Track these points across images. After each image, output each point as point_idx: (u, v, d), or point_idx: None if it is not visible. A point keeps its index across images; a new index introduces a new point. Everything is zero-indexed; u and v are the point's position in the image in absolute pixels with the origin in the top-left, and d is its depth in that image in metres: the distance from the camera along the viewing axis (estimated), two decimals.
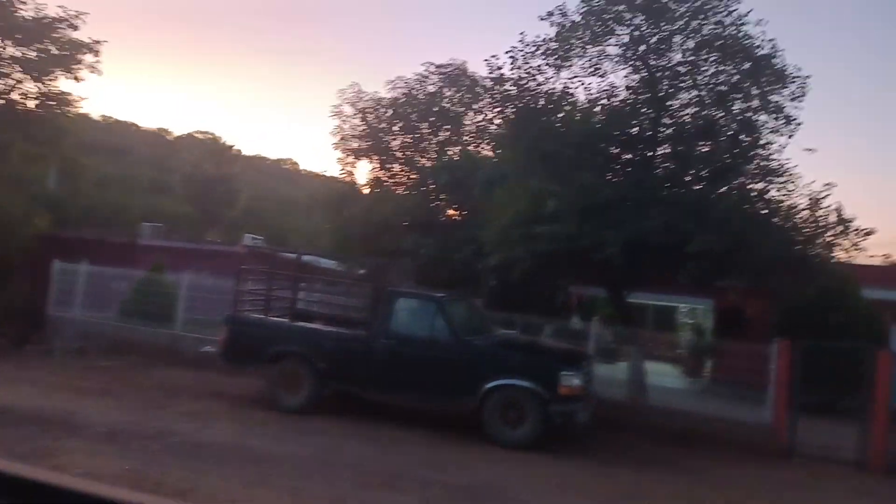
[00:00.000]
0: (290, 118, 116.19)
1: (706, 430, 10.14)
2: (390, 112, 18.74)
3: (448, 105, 18.81)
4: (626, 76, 11.22)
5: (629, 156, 11.38)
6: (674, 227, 9.48)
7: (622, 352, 13.05)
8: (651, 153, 11.05)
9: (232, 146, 52.93)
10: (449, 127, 18.95)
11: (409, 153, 18.85)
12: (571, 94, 11.34)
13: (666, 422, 10.39)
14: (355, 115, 19.31)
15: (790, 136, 10.54)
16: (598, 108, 11.34)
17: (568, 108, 11.40)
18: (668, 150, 11.06)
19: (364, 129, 19.11)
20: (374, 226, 15.99)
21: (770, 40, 10.36)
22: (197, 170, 43.05)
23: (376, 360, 9.04)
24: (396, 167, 19.09)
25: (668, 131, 11.00)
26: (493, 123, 12.88)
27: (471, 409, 8.54)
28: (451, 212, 17.55)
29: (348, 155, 19.43)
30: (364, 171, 19.62)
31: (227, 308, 10.29)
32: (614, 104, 11.21)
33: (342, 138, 19.34)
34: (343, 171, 19.52)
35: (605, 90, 11.44)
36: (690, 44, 10.70)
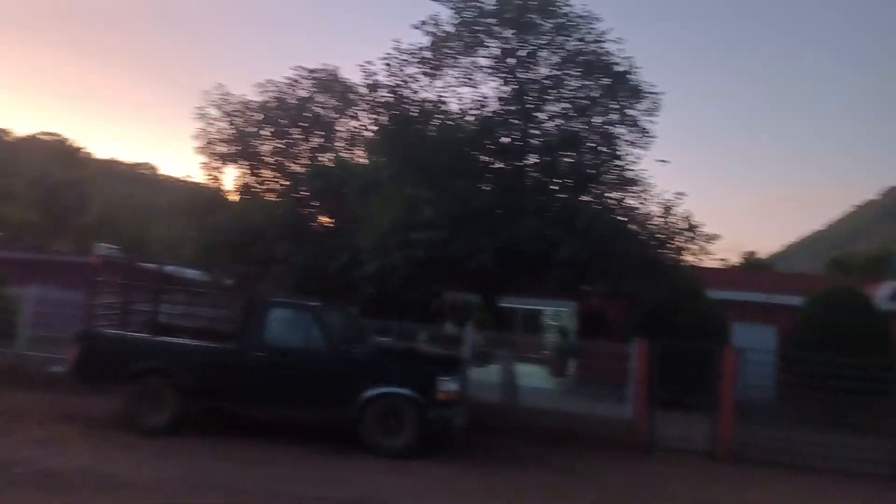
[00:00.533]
0: (147, 121, 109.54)
1: (574, 428, 10.65)
2: (260, 116, 18.10)
3: (320, 110, 18.48)
4: (496, 87, 11.59)
5: (500, 165, 11.74)
6: (542, 235, 9.87)
7: (495, 355, 13.40)
8: (521, 163, 11.47)
9: (81, 149, 48.92)
10: (322, 133, 18.60)
11: (279, 159, 18.29)
12: (445, 103, 11.55)
13: (536, 422, 10.80)
14: (222, 118, 18.47)
15: (645, 148, 11.36)
16: (470, 118, 11.62)
17: (441, 116, 11.59)
18: (537, 160, 11.53)
19: (232, 133, 18.31)
20: (243, 234, 15.34)
21: (627, 58, 11.14)
22: (43, 174, 39.32)
23: (248, 374, 8.68)
24: (266, 173, 18.45)
25: (535, 142, 11.47)
26: (367, 130, 12.80)
27: (349, 419, 8.40)
28: (324, 219, 17.21)
29: (214, 159, 18.52)
30: (231, 177, 18.74)
31: (80, 323, 9.47)
32: (486, 114, 11.53)
33: (208, 142, 18.42)
34: (209, 177, 18.58)
35: (477, 100, 11.75)
36: (555, 58, 11.24)
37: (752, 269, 44.46)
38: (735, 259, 57.09)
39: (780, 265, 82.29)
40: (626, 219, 11.08)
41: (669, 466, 9.41)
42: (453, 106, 11.76)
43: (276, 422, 9.64)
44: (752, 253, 60.29)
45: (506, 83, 11.45)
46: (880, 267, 44.66)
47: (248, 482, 6.76)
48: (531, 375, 16.43)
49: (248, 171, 18.35)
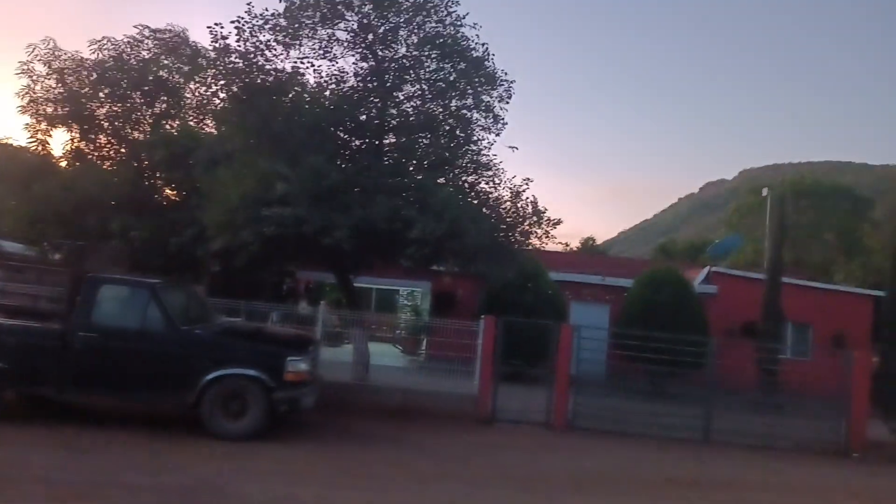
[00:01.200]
0: None
1: (423, 404, 10.95)
2: (95, 76, 16.45)
3: (166, 74, 17.16)
4: (355, 63, 11.44)
5: (358, 143, 11.64)
6: (398, 214, 9.96)
7: (348, 335, 13.38)
8: (378, 142, 11.45)
9: None
10: (167, 98, 17.28)
11: (118, 124, 16.75)
12: (302, 75, 11.20)
13: (387, 399, 10.98)
14: (50, 75, 16.56)
15: (498, 134, 11.78)
16: (328, 93, 11.38)
17: (298, 89, 11.25)
18: (395, 141, 11.56)
19: (62, 93, 16.48)
20: (73, 204, 13.98)
21: (483, 44, 11.42)
22: None
23: (75, 357, 7.98)
24: (102, 138, 16.83)
25: (393, 122, 11.49)
26: (217, 98, 12.08)
27: (189, 403, 8.00)
28: (168, 192, 16.13)
29: (41, 121, 16.60)
30: (61, 141, 16.89)
31: None
32: (344, 90, 11.35)
33: (32, 101, 16.46)
34: (33, 140, 16.63)
35: (335, 75, 11.53)
36: (414, 39, 11.29)
37: (590, 254, 47.81)
38: (575, 244, 61.00)
39: (614, 250, 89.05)
40: (478, 202, 11.46)
41: (508, 437, 9.96)
42: (310, 79, 11.47)
43: (113, 408, 8.99)
44: (590, 238, 64.74)
45: (364, 59, 11.33)
46: (697, 253, 49.80)
47: (73, 472, 6.26)
48: (385, 354, 16.58)
49: (80, 136, 16.66)
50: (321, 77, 11.51)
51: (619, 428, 10.80)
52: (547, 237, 11.75)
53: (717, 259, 34.91)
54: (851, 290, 22.26)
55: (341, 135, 11.41)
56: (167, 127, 16.65)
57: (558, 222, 11.68)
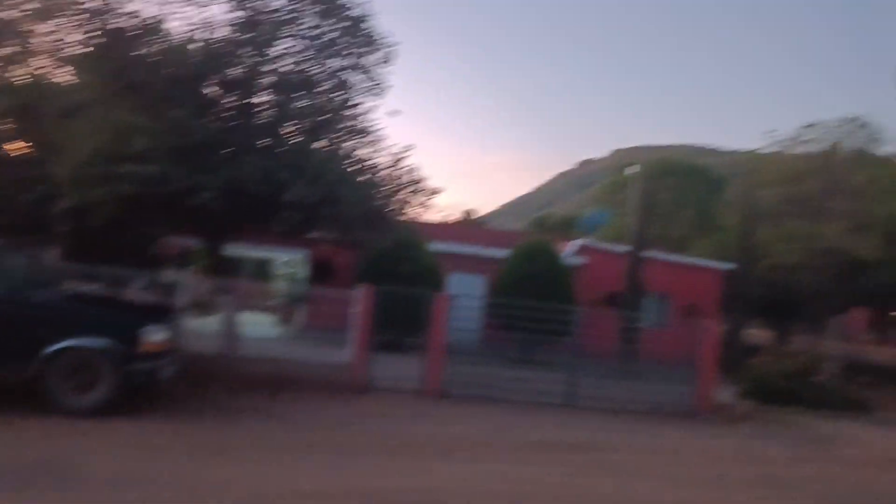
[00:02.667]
0: None
1: (295, 374, 10.65)
2: None
3: (14, 14, 15.25)
4: (226, 12, 10.68)
5: (229, 99, 10.94)
6: (271, 176, 9.50)
7: (218, 304, 12.76)
8: (251, 99, 10.82)
9: None
10: (14, 41, 15.42)
11: None
12: (165, 21, 10.31)
13: (258, 371, 10.57)
14: None
15: (378, 98, 11.48)
16: (195, 43, 10.56)
17: (162, 37, 10.35)
18: (269, 99, 10.98)
19: None
20: None
21: (361, 3, 11.02)
22: None
23: None
24: None
25: (268, 79, 10.89)
26: (72, 42, 10.88)
27: (30, 375, 7.26)
28: (15, 144, 14.48)
29: None
30: None
31: None
32: (213, 41, 10.58)
33: None
34: None
35: (203, 23, 10.72)
36: None
37: (470, 225, 48.65)
38: (457, 215, 61.89)
39: (493, 222, 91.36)
40: (356, 167, 11.17)
41: (381, 405, 9.92)
42: (176, 27, 10.60)
43: None
44: (471, 211, 65.97)
45: (236, 9, 10.60)
46: (571, 227, 52.06)
47: None
48: (258, 324, 16.03)
49: None
50: (188, 25, 10.68)
51: (490, 394, 11.07)
52: (426, 207, 11.71)
53: (587, 232, 36.65)
54: (705, 264, 24.11)
55: (208, 89, 10.66)
56: (14, 72, 14.87)
57: (437, 192, 11.67)
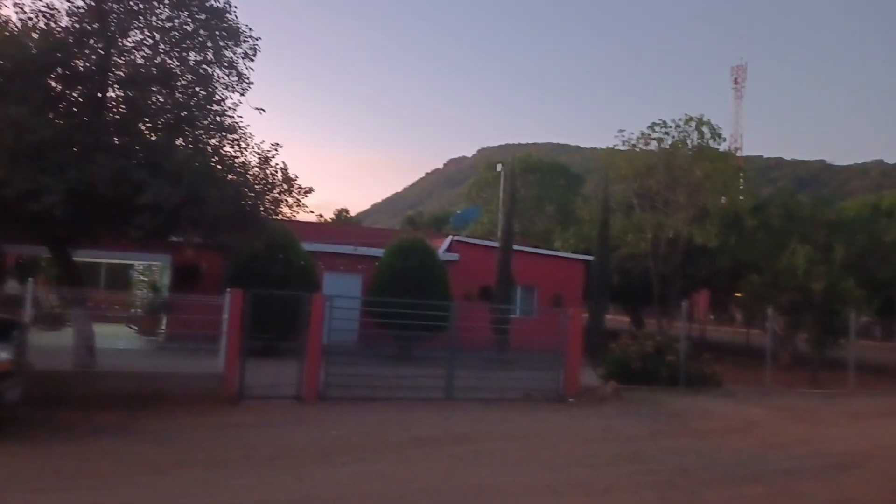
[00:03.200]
0: None
1: (162, 388, 10.00)
2: None
3: None
4: (68, 0, 9.80)
5: (76, 94, 10.05)
6: (125, 177, 8.85)
7: (69, 316, 11.74)
8: (101, 94, 9.99)
9: None
10: None
11: None
12: None
13: (119, 386, 9.83)
14: None
15: (243, 94, 10.97)
16: (35, 33, 9.58)
17: None
18: (121, 94, 10.20)
19: None
20: None
21: None
22: None
23: None
24: None
25: (119, 72, 10.11)
26: None
27: None
28: None
29: None
30: None
31: None
32: (56, 31, 9.66)
33: None
34: None
35: (44, 12, 9.77)
36: None
37: (343, 224, 48.15)
38: (329, 215, 60.99)
39: (366, 221, 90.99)
40: (222, 167, 10.64)
41: (257, 414, 9.60)
42: (11, 14, 9.60)
43: None
44: (343, 210, 65.28)
45: None
46: (442, 224, 52.94)
47: None
48: (116, 336, 14.96)
49: None
50: (26, 13, 9.69)
51: (370, 394, 11.03)
52: (298, 206, 11.39)
53: (458, 229, 37.45)
54: (567, 256, 25.46)
55: (53, 83, 9.73)
56: None
57: (310, 191, 11.40)
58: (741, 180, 27.52)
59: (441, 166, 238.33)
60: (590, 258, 23.78)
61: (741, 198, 25.53)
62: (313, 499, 5.77)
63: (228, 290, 10.83)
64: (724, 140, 27.69)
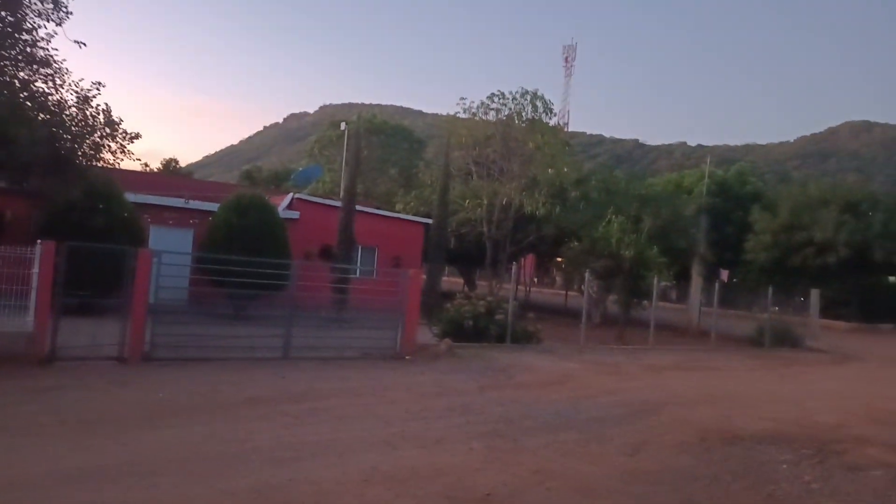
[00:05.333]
0: None
1: None
2: None
3: None
4: None
5: None
6: None
7: None
8: None
9: None
10: None
11: None
12: None
13: None
14: None
15: (59, 24, 9.82)
16: None
17: None
18: None
19: None
20: None
21: None
22: None
23: None
24: None
25: None
26: None
27: None
28: None
29: None
30: None
31: None
32: None
33: None
34: None
35: None
36: None
37: (172, 176, 44.96)
38: (156, 165, 56.56)
39: (198, 174, 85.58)
40: (32, 104, 9.53)
41: (73, 376, 8.90)
42: None
43: None
44: (173, 160, 60.75)
45: None
46: (282, 180, 51.27)
47: None
48: None
49: None
50: None
51: (201, 354, 10.64)
52: (123, 153, 10.54)
53: (299, 186, 36.50)
54: (408, 218, 25.92)
55: None
56: None
57: (136, 136, 10.58)
58: (567, 154, 29.49)
59: (281, 121, 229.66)
60: (429, 221, 24.41)
61: (566, 170, 27.40)
62: (138, 463, 5.54)
63: (40, 241, 9.81)
64: (555, 115, 29.48)
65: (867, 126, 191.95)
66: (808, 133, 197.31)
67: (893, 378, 15.90)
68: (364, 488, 5.29)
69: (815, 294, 24.43)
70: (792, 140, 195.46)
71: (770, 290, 22.08)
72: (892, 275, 37.76)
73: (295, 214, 21.25)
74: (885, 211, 33.94)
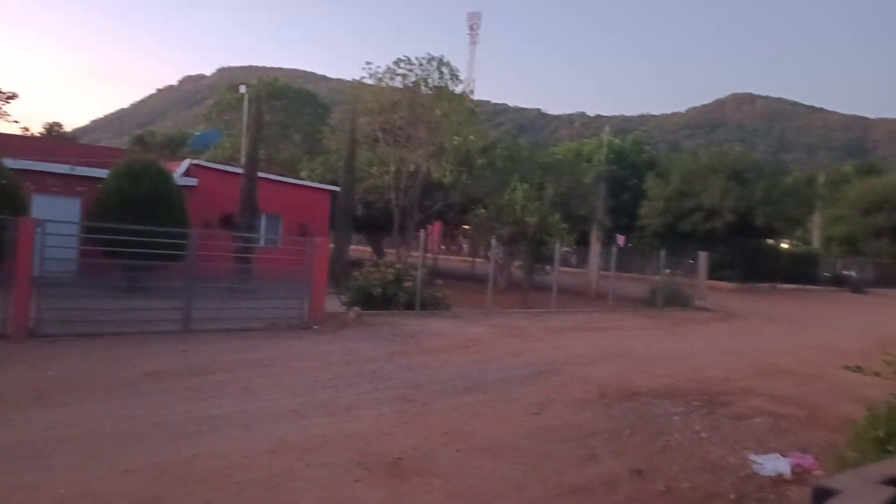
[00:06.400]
0: None
1: None
2: None
3: None
4: None
5: None
6: None
7: None
8: None
9: None
10: None
11: None
12: None
13: None
14: None
15: None
16: None
17: None
18: None
19: None
20: None
21: None
22: None
23: None
24: None
25: None
26: None
27: None
28: None
29: None
30: None
31: None
32: None
33: None
34: None
35: None
36: None
37: (56, 140, 41.74)
38: (38, 129, 52.30)
39: (85, 138, 79.98)
40: None
41: None
42: None
43: None
44: (56, 124, 56.32)
45: None
46: (177, 146, 48.76)
47: None
48: None
49: None
50: None
51: (94, 329, 10.07)
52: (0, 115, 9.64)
53: (197, 152, 34.85)
54: (314, 185, 25.38)
55: None
56: None
57: (12, 97, 9.71)
58: (473, 122, 29.72)
59: (176, 83, 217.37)
60: (336, 189, 24.00)
61: (472, 138, 27.63)
62: (28, 444, 5.23)
63: None
64: (461, 82, 29.50)
65: (750, 98, 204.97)
66: (698, 104, 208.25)
67: (773, 333, 17.31)
68: (272, 459, 5.23)
69: (702, 257, 26.06)
70: (683, 111, 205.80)
71: (662, 253, 23.36)
72: (771, 238, 40.89)
73: (193, 181, 20.29)
74: (766, 179, 36.56)
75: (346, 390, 7.71)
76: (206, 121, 50.30)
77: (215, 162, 27.58)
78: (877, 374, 5.25)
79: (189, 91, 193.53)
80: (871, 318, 23.18)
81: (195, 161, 22.56)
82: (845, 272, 44.23)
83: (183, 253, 11.79)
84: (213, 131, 42.74)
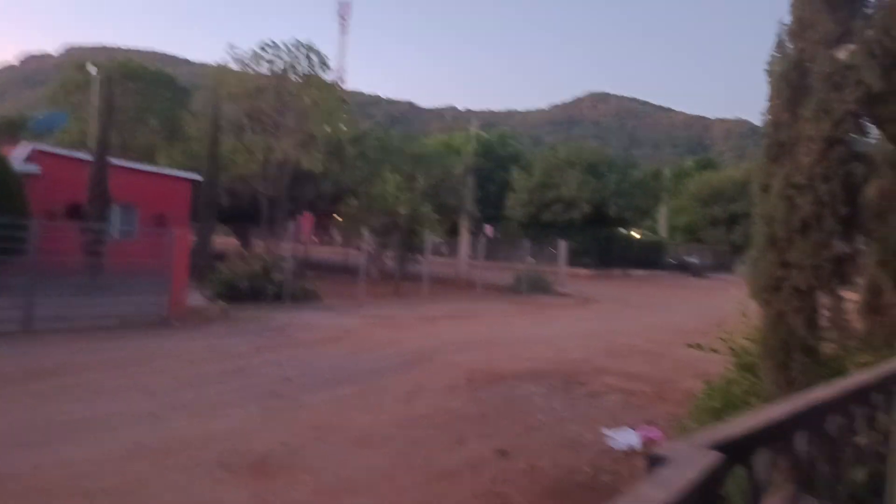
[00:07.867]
0: None
1: None
2: None
3: None
4: None
5: None
6: None
7: None
8: None
9: None
10: None
11: None
12: None
13: None
14: None
15: None
16: None
17: None
18: None
19: None
20: None
21: None
22: None
23: None
24: None
25: None
26: None
27: None
28: None
29: None
30: None
31: None
32: None
33: None
34: None
35: None
36: None
37: None
38: None
39: None
40: None
41: None
42: None
43: None
44: None
45: None
46: (18, 129, 44.07)
47: None
48: None
49: None
50: None
51: None
52: None
53: (40, 136, 31.74)
54: (173, 174, 23.95)
55: None
56: None
57: None
58: (344, 112, 29.34)
59: (16, 63, 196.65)
60: (198, 177, 22.80)
61: (344, 128, 27.28)
62: None
63: None
64: (332, 71, 29.00)
65: (604, 97, 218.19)
66: (559, 102, 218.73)
67: (625, 316, 18.63)
68: (126, 465, 4.93)
69: (562, 246, 27.49)
70: (546, 108, 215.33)
71: (526, 243, 24.40)
72: (623, 228, 43.92)
73: (35, 168, 18.48)
74: (617, 172, 39.23)
75: (210, 389, 7.41)
76: (50, 103, 45.78)
77: (62, 148, 25.25)
78: (714, 350, 5.82)
79: (32, 70, 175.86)
80: (710, 300, 25.56)
81: (38, 146, 20.53)
82: (688, 259, 48.43)
83: (22, 246, 10.73)
84: (58, 113, 39.10)
